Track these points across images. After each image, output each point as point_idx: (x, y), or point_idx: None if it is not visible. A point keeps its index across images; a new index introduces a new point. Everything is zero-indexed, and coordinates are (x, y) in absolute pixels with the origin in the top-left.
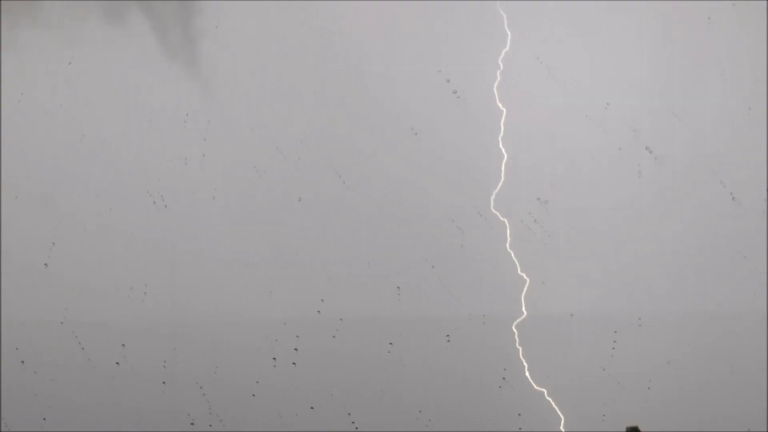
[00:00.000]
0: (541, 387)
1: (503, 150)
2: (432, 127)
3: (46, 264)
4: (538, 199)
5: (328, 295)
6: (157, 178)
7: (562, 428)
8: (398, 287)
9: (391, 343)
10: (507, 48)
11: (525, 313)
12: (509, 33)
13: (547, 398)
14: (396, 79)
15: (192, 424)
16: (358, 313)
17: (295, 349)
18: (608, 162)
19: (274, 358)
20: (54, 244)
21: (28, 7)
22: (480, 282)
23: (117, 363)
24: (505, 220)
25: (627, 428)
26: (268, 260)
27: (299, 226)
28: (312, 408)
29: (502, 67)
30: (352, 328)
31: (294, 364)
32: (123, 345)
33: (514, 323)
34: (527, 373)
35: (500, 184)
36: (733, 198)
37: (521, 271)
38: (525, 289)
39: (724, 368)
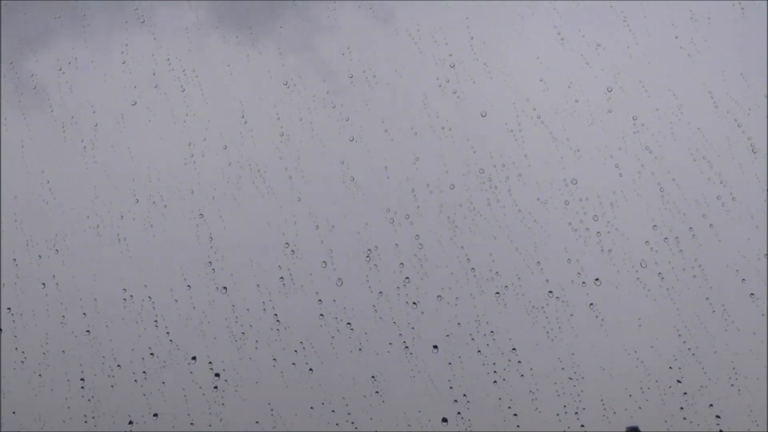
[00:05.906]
0: (540, 386)
1: (503, 150)
2: (432, 128)
3: (45, 263)
4: (538, 199)
5: (328, 296)
6: (157, 178)
7: (562, 428)
8: (398, 287)
9: (390, 344)
10: (507, 48)
11: (525, 312)
12: (510, 33)
13: (547, 398)
14: (396, 79)
15: (192, 424)
16: (358, 313)
17: (295, 351)
18: (608, 162)
19: (274, 359)
20: (54, 244)
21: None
22: (480, 282)
23: (118, 365)
24: (505, 221)
25: (627, 428)
26: (268, 260)
27: (299, 225)
28: (312, 408)
29: (502, 68)
30: (353, 329)
31: (294, 364)
32: (123, 345)
33: (514, 324)
34: (527, 373)
35: (500, 185)
36: (733, 198)
37: (521, 271)
38: (525, 290)
39: (724, 368)
